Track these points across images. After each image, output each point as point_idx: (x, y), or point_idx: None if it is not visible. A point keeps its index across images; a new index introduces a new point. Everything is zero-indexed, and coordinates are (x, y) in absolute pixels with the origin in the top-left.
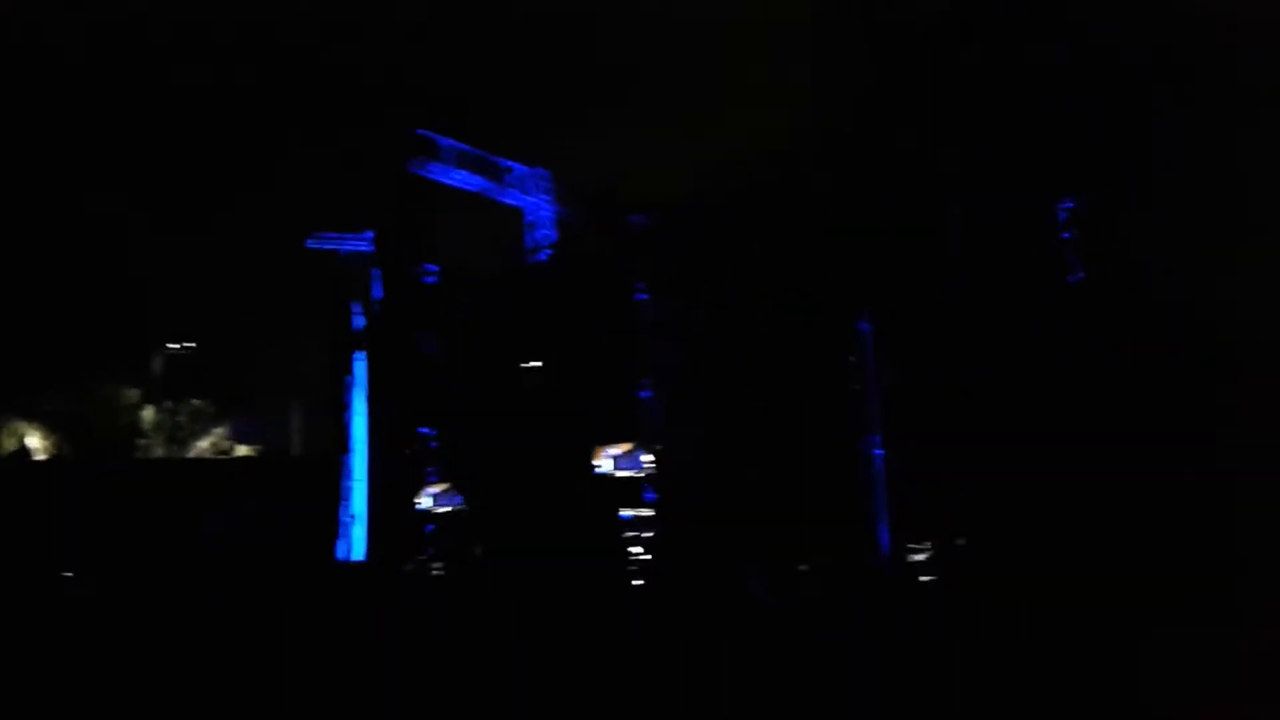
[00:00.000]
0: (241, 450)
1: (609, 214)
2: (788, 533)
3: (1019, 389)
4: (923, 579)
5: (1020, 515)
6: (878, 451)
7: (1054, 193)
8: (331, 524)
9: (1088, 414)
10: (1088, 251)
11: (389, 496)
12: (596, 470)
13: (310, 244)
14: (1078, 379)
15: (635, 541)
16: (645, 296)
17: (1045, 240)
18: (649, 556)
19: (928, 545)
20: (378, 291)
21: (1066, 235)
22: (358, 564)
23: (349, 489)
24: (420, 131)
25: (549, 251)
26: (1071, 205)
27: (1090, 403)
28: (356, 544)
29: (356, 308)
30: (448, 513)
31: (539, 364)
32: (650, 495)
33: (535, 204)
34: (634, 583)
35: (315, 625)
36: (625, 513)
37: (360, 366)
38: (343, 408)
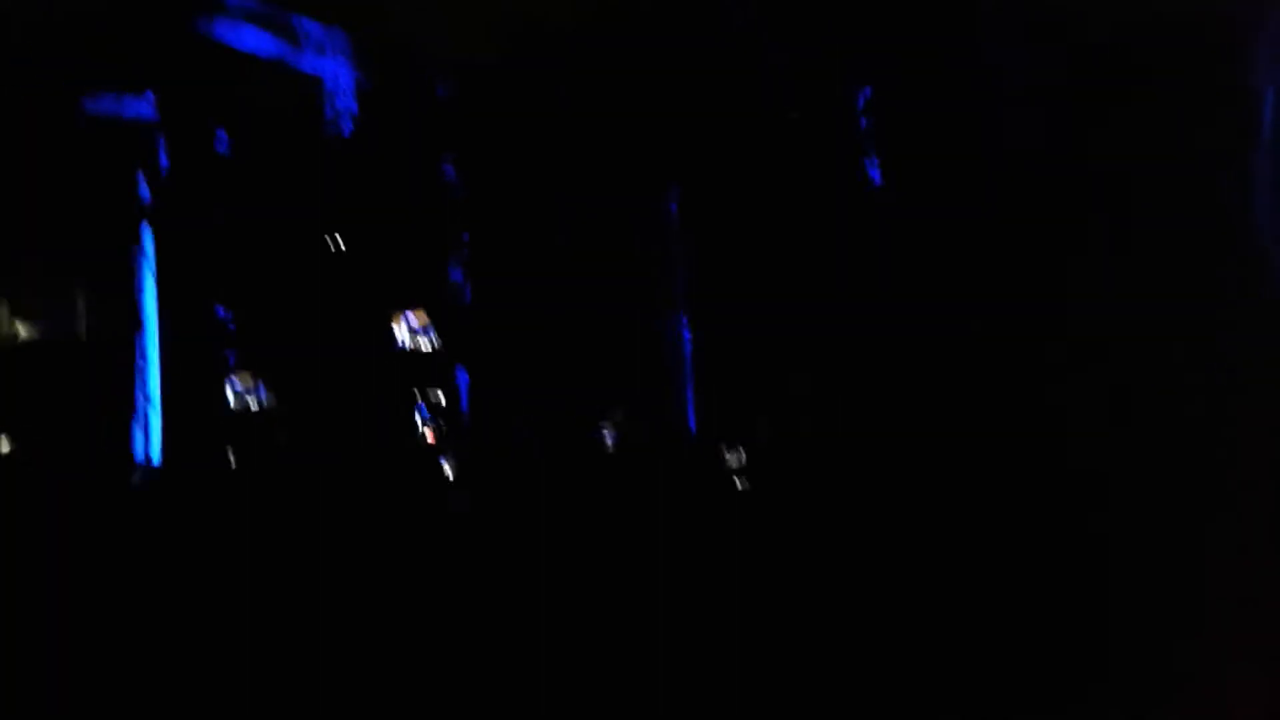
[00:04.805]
0: (21, 331)
1: (411, 81)
2: (589, 415)
3: (830, 271)
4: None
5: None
6: (685, 334)
7: (856, 77)
8: (126, 412)
9: (909, 307)
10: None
11: (182, 383)
12: (398, 344)
13: (89, 105)
14: (894, 264)
15: (439, 420)
16: (451, 171)
17: (845, 128)
18: (452, 434)
19: (739, 444)
20: (164, 159)
21: (864, 123)
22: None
23: (144, 370)
24: None
25: (349, 123)
26: (869, 93)
27: (911, 292)
28: (155, 435)
29: (141, 176)
30: (249, 405)
31: (339, 241)
32: (460, 373)
33: (333, 69)
34: (439, 462)
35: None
36: (428, 388)
37: (148, 239)
38: (132, 284)
